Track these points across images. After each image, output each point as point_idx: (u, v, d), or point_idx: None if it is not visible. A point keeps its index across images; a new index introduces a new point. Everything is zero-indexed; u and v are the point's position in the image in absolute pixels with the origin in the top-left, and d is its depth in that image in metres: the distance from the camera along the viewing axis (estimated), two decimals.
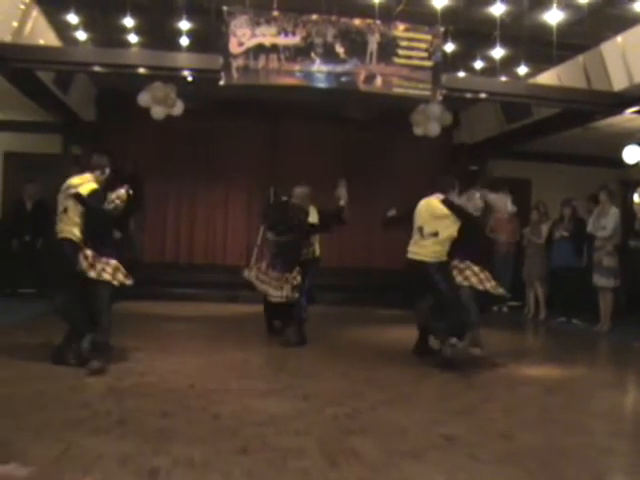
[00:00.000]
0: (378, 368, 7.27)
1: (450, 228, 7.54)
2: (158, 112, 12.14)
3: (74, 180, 7.13)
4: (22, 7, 9.45)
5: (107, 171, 7.35)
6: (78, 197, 6.92)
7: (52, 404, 5.18)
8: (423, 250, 7.59)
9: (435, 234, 7.52)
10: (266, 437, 4.48)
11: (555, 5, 10.05)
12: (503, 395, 6.31)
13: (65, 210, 6.95)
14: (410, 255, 7.74)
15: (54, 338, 6.90)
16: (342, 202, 8.96)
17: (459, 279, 7.92)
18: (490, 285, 8.06)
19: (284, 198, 9.30)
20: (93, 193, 6.99)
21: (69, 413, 4.86)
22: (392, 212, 8.46)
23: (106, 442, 4.23)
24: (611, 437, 4.93)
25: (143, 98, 12.03)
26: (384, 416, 5.22)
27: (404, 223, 8.04)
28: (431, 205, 7.68)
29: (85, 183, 7.06)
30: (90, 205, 6.95)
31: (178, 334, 9.32)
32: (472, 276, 7.99)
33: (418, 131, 12.93)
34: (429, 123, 12.76)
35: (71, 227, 6.89)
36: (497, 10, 10.27)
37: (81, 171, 7.46)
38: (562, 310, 12.28)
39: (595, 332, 11.04)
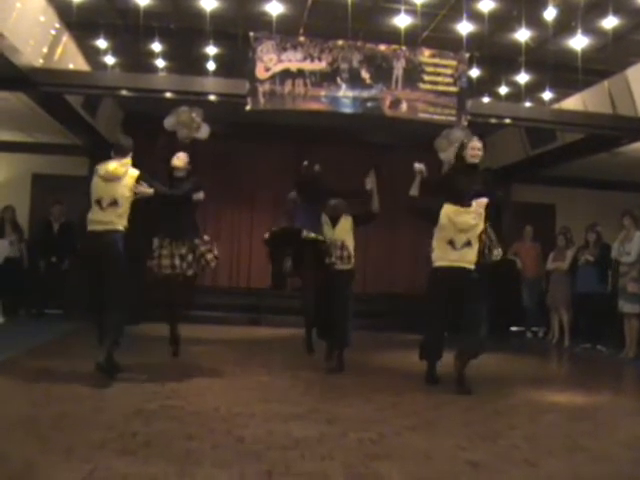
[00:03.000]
0: (403, 393, 7.24)
1: (477, 230, 7.47)
2: (184, 136, 12.22)
3: (114, 166, 7.17)
4: (53, 33, 9.61)
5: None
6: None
7: (78, 425, 5.20)
8: (465, 257, 7.44)
9: (468, 243, 7.44)
10: (290, 461, 4.48)
11: (580, 31, 10.09)
12: (527, 421, 6.26)
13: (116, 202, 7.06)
14: (448, 263, 7.49)
15: (79, 359, 6.95)
16: (369, 186, 8.79)
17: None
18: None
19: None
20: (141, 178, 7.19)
21: (95, 434, 4.87)
22: (414, 191, 8.07)
23: (132, 464, 4.25)
24: (637, 465, 4.88)
25: (169, 122, 12.13)
26: (409, 441, 5.20)
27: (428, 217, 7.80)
28: (460, 220, 7.45)
29: (127, 170, 7.16)
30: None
31: (202, 357, 9.35)
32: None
33: (443, 156, 12.92)
34: (453, 148, 12.76)
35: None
36: (522, 36, 10.33)
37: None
38: (587, 336, 12.19)
39: (620, 359, 10.95)
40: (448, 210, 7.55)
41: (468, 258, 7.45)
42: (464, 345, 7.40)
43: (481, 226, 7.47)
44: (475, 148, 7.75)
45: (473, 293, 7.41)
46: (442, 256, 7.59)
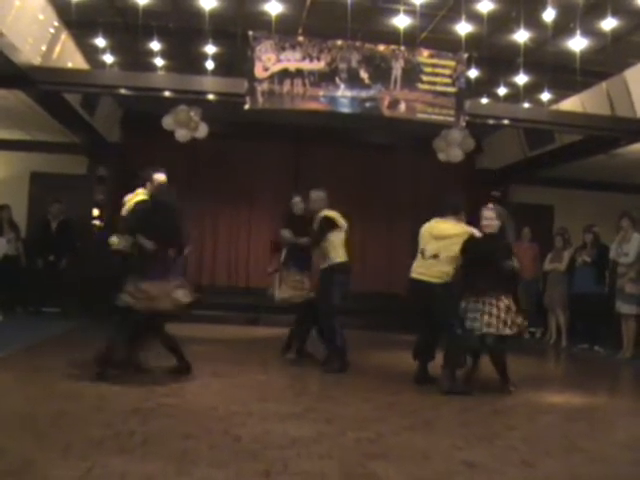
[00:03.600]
0: (400, 393, 7.24)
1: (452, 247, 7.39)
2: (182, 135, 12.23)
3: (130, 197, 7.68)
4: (51, 31, 9.59)
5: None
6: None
7: (75, 423, 5.21)
8: (430, 270, 7.44)
9: (436, 255, 7.40)
10: (288, 460, 4.47)
11: (579, 32, 10.08)
12: (524, 422, 6.27)
13: None
14: (416, 276, 7.58)
15: (77, 357, 6.95)
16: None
17: (481, 323, 7.30)
18: (516, 325, 7.38)
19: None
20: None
21: (92, 432, 4.87)
22: None
23: (130, 462, 4.24)
24: (634, 466, 4.88)
25: (167, 121, 12.14)
26: (406, 441, 5.21)
27: None
28: (437, 227, 7.56)
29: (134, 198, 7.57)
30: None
31: (200, 356, 9.32)
32: (496, 318, 7.26)
33: (442, 157, 12.94)
34: (451, 149, 12.78)
35: None
36: (521, 37, 10.32)
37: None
38: (584, 337, 12.20)
39: (617, 359, 10.95)
40: (432, 222, 7.64)
41: (433, 272, 7.44)
42: (444, 359, 7.42)
43: (457, 247, 7.39)
44: (487, 218, 7.67)
45: (440, 308, 7.44)
46: (414, 267, 7.70)
